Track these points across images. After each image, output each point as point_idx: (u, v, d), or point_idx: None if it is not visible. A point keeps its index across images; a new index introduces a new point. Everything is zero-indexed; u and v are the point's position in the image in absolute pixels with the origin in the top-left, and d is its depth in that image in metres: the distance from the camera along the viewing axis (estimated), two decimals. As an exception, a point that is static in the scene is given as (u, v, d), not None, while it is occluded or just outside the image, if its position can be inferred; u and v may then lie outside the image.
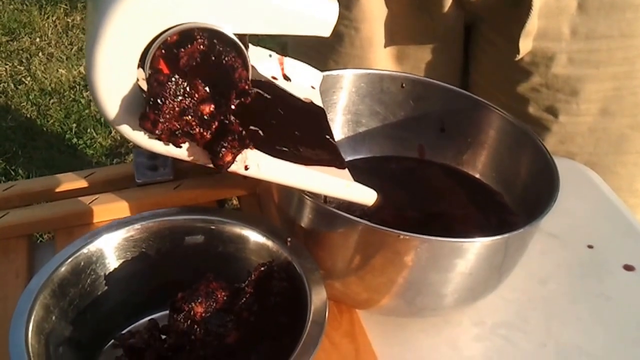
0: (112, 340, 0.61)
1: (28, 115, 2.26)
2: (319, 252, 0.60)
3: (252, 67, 0.63)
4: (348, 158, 0.77)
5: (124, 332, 0.62)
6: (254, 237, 0.61)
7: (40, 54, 2.54)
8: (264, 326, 0.57)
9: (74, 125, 2.21)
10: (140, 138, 0.51)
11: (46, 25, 2.69)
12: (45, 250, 0.73)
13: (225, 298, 0.57)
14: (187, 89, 0.49)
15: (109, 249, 0.60)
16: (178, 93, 0.49)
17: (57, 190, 0.76)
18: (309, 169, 0.56)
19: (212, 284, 0.57)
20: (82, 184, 0.77)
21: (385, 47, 0.91)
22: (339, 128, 0.76)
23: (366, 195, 0.59)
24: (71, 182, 0.77)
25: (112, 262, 0.60)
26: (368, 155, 0.78)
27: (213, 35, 0.48)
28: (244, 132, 0.51)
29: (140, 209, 0.73)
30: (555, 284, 0.70)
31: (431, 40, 0.91)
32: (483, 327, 0.66)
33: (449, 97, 0.74)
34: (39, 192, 0.76)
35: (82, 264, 0.59)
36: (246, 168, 0.54)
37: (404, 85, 0.74)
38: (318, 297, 0.55)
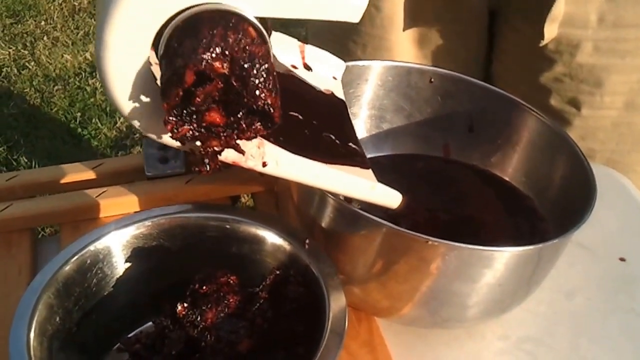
0: (118, 344, 0.60)
1: (31, 102, 2.26)
2: (339, 255, 0.59)
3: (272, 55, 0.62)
4: (370, 155, 0.75)
5: (130, 335, 0.60)
6: (271, 237, 0.59)
7: (45, 37, 2.53)
8: (279, 334, 0.56)
9: (79, 114, 2.20)
10: (149, 127, 0.49)
11: (52, 8, 2.69)
12: (50, 245, 0.72)
13: (237, 303, 0.55)
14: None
15: (117, 247, 0.59)
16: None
17: (63, 181, 0.75)
18: (331, 167, 0.55)
19: (223, 287, 0.55)
20: (90, 175, 0.76)
21: (406, 28, 0.90)
22: (362, 123, 0.74)
23: (391, 198, 0.58)
24: (78, 173, 0.76)
25: (120, 261, 0.59)
26: (391, 153, 0.76)
27: (234, 19, 0.46)
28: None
29: (150, 204, 0.72)
30: (583, 297, 0.69)
31: (454, 23, 0.91)
32: (507, 341, 0.64)
33: (480, 94, 0.73)
34: (44, 183, 0.75)
35: (89, 262, 0.58)
36: (264, 165, 0.52)
37: (432, 80, 0.73)
38: (337, 304, 0.53)
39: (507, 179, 0.73)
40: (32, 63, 2.41)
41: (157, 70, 0.47)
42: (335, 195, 0.57)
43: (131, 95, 0.48)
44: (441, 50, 0.92)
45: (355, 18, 0.49)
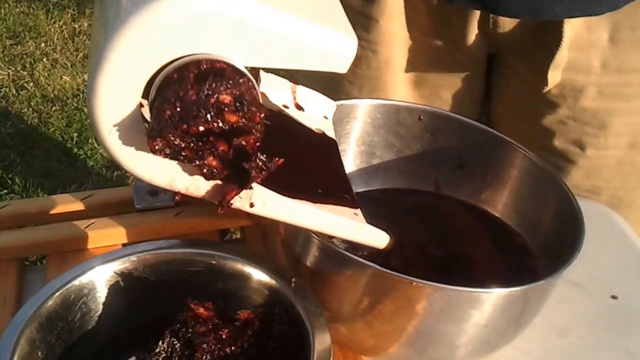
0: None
1: (28, 122, 2.26)
2: (324, 294, 0.59)
3: (264, 95, 0.62)
4: (361, 189, 0.76)
5: (113, 370, 0.60)
6: (257, 275, 0.59)
7: (44, 59, 2.54)
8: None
9: (75, 134, 2.20)
10: (138, 168, 0.50)
11: (52, 30, 2.70)
12: (36, 275, 0.71)
13: (221, 338, 0.55)
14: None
15: (102, 282, 0.58)
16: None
17: (52, 212, 0.75)
18: (319, 208, 0.55)
19: (204, 319, 0.55)
20: (79, 206, 0.76)
21: (403, 71, 0.91)
22: (352, 159, 0.74)
23: (378, 239, 0.58)
24: (67, 204, 0.76)
25: (104, 296, 0.59)
26: (382, 187, 0.76)
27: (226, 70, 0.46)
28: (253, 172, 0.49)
29: (139, 236, 0.72)
30: (575, 336, 0.68)
31: (452, 67, 0.90)
32: (497, 380, 0.64)
33: (468, 131, 0.73)
34: (33, 214, 0.75)
35: (73, 296, 0.57)
36: (251, 205, 0.52)
37: (421, 117, 0.73)
38: (322, 344, 0.53)
39: (497, 215, 0.73)
40: (31, 84, 2.42)
41: (147, 113, 0.47)
42: (320, 234, 0.57)
43: (120, 138, 0.48)
44: (438, 92, 0.92)
45: (343, 69, 0.50)
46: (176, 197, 0.51)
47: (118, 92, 0.46)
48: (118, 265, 0.59)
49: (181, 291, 0.60)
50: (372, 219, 0.71)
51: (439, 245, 0.70)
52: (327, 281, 0.59)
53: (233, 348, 0.55)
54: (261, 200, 0.52)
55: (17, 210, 0.75)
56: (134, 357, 0.59)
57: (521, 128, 0.91)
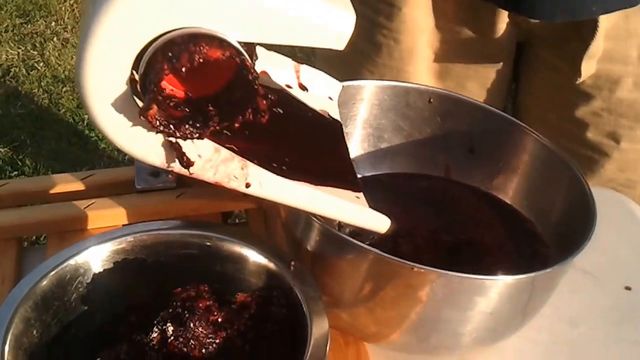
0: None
1: (39, 103, 2.27)
2: (325, 278, 0.59)
3: (265, 73, 0.62)
4: (369, 173, 0.75)
5: (110, 351, 0.60)
6: (255, 257, 0.59)
7: (55, 38, 2.55)
8: (260, 356, 0.56)
9: (86, 116, 2.21)
10: (131, 146, 0.50)
11: (63, 9, 2.70)
12: (36, 255, 0.72)
13: (217, 321, 0.55)
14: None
15: (98, 262, 0.59)
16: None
17: (53, 191, 0.75)
18: (318, 190, 0.55)
19: (201, 301, 0.55)
20: (79, 186, 0.76)
21: (426, 61, 0.90)
22: (359, 142, 0.74)
23: (379, 223, 0.58)
24: (68, 183, 0.76)
25: (101, 276, 0.59)
26: (391, 172, 0.76)
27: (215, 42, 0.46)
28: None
29: (139, 217, 0.72)
30: (586, 327, 0.68)
31: (479, 57, 0.89)
32: (503, 370, 0.64)
33: (480, 115, 0.72)
34: (33, 193, 0.76)
35: (69, 276, 0.58)
36: (247, 185, 0.52)
37: (431, 100, 0.72)
38: (319, 330, 0.53)
39: (508, 202, 0.73)
40: (41, 64, 2.43)
41: (138, 88, 0.47)
42: (321, 218, 0.56)
43: (112, 115, 0.48)
44: (463, 83, 0.91)
45: (340, 46, 0.49)
46: (170, 176, 0.51)
47: (107, 67, 0.46)
48: (115, 246, 0.59)
49: (178, 273, 0.60)
50: (381, 204, 0.72)
51: (449, 231, 0.69)
52: (328, 266, 0.59)
53: (229, 331, 0.55)
54: (258, 181, 0.52)
55: (17, 189, 0.75)
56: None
57: (551, 119, 0.91)
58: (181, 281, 0.59)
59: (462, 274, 0.53)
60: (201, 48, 0.45)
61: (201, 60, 0.46)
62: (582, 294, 0.71)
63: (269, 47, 0.63)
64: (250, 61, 0.48)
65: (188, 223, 0.62)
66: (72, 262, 0.58)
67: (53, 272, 0.57)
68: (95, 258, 0.58)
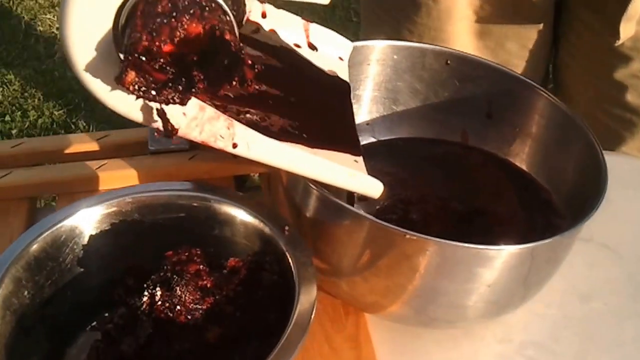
0: (95, 323, 0.60)
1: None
2: (324, 246, 0.58)
3: (274, 32, 0.61)
4: (384, 137, 0.73)
5: (107, 314, 0.60)
6: (251, 221, 0.58)
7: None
8: (250, 323, 0.55)
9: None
10: (116, 103, 0.49)
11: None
12: (47, 215, 0.72)
13: (206, 286, 0.54)
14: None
15: (95, 223, 0.58)
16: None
17: (67, 151, 0.76)
18: (309, 152, 0.53)
19: (191, 265, 0.54)
20: (94, 146, 0.76)
21: (465, 20, 0.88)
22: (373, 105, 0.72)
23: (371, 188, 0.56)
24: (82, 143, 0.76)
25: (98, 238, 0.59)
26: (408, 136, 0.74)
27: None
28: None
29: (150, 179, 0.72)
30: (599, 302, 0.65)
31: (517, 17, 0.87)
32: (508, 345, 0.62)
33: (498, 78, 0.69)
34: (48, 152, 0.76)
35: (64, 237, 0.58)
36: (234, 146, 0.51)
37: (449, 62, 0.70)
38: (306, 297, 0.52)
39: (525, 169, 0.70)
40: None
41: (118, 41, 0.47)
42: (319, 184, 0.55)
43: (95, 72, 0.47)
44: (503, 42, 0.89)
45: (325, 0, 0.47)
46: (155, 134, 0.50)
47: (89, 21, 0.45)
48: (111, 207, 0.59)
49: (176, 235, 0.60)
50: (395, 169, 0.70)
51: (461, 199, 0.68)
52: (326, 233, 0.57)
53: (217, 297, 0.54)
54: (245, 142, 0.51)
55: (32, 148, 0.76)
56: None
57: (590, 81, 0.89)
58: (178, 243, 0.59)
59: (455, 242, 0.51)
60: (182, 22, 0.44)
61: (182, 36, 0.45)
62: (598, 268, 0.67)
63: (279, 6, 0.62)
64: (234, 31, 0.47)
65: (187, 184, 0.61)
66: (67, 222, 0.58)
67: (47, 233, 0.57)
68: (91, 220, 0.58)
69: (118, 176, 0.72)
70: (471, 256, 0.52)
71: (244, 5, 0.50)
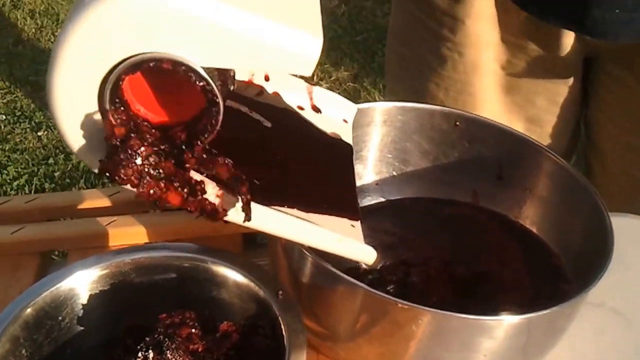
0: (94, 381, 0.60)
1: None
2: (319, 311, 0.57)
3: (277, 94, 0.61)
4: (393, 197, 0.73)
5: (105, 372, 0.60)
6: (246, 283, 0.58)
7: None
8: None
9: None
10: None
11: None
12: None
13: (197, 350, 0.54)
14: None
15: (92, 283, 0.59)
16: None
17: (80, 207, 0.77)
18: (301, 218, 0.53)
19: (184, 328, 0.54)
20: (105, 202, 0.77)
21: (492, 75, 0.87)
22: (382, 165, 0.72)
23: (363, 255, 0.55)
24: (94, 199, 0.77)
25: (98, 297, 0.59)
26: (417, 196, 0.73)
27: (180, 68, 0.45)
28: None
29: (159, 236, 0.73)
30: (607, 372, 0.63)
31: (545, 72, 0.86)
32: (512, 415, 0.60)
33: (508, 140, 0.69)
34: (61, 208, 0.77)
35: (62, 297, 0.58)
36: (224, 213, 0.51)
37: (458, 123, 0.69)
38: (295, 365, 0.51)
39: (535, 232, 0.69)
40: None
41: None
42: (314, 250, 0.55)
43: (83, 140, 0.48)
44: (532, 98, 0.88)
45: (306, 72, 0.48)
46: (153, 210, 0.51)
47: (74, 90, 0.46)
48: (109, 268, 0.59)
49: (172, 295, 0.60)
50: (402, 229, 0.70)
51: (466, 263, 0.67)
52: (321, 298, 0.57)
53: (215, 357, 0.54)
54: (234, 209, 0.51)
55: (46, 203, 0.77)
56: None
57: (622, 137, 0.87)
58: (175, 304, 0.59)
59: (448, 312, 0.50)
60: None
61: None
62: (609, 336, 0.65)
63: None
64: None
65: (185, 246, 0.61)
66: (65, 283, 0.58)
67: (47, 292, 0.57)
68: (89, 280, 0.59)
69: (127, 233, 0.73)
70: (465, 326, 0.52)
71: (232, 75, 0.51)
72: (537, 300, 0.62)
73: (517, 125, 0.87)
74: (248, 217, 0.49)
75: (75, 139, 0.48)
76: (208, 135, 0.47)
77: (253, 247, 0.77)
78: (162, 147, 0.48)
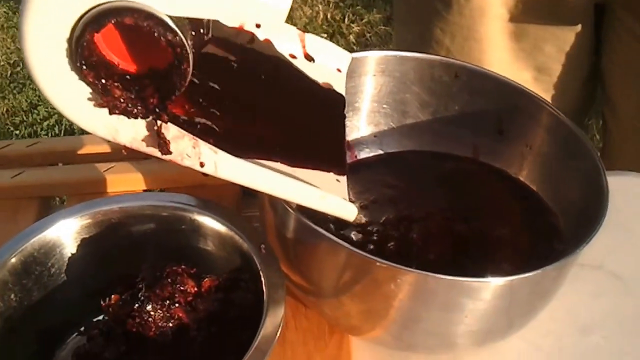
0: (82, 328, 0.61)
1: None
2: (303, 266, 0.57)
3: (269, 42, 0.60)
4: (393, 150, 0.72)
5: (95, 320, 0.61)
6: (231, 235, 0.58)
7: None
8: (224, 340, 0.54)
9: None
10: (81, 118, 0.49)
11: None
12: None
13: (183, 302, 0.54)
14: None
15: (80, 231, 0.59)
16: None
17: (80, 152, 0.77)
18: (283, 171, 0.52)
19: (167, 280, 0.55)
20: (106, 148, 0.77)
21: (499, 20, 0.84)
22: (380, 117, 0.71)
23: (344, 211, 0.54)
24: (95, 144, 0.77)
25: (84, 245, 0.60)
26: (418, 149, 0.72)
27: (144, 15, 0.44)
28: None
29: (156, 184, 0.73)
30: (600, 335, 0.62)
31: (553, 18, 0.83)
32: (497, 374, 0.59)
33: (509, 93, 0.66)
34: (62, 153, 0.77)
35: (52, 243, 0.59)
36: (202, 165, 0.50)
37: (458, 74, 0.67)
38: (272, 320, 0.51)
39: (535, 189, 0.67)
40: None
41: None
42: (293, 205, 0.54)
43: (58, 86, 0.47)
44: (540, 45, 0.85)
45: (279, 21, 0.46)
46: (123, 151, 0.50)
47: (45, 38, 0.45)
48: (98, 215, 0.60)
49: (160, 246, 0.60)
50: (403, 183, 0.69)
51: (466, 219, 0.65)
52: (305, 253, 0.56)
53: (191, 314, 0.54)
54: (212, 161, 0.50)
55: (47, 148, 0.77)
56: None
57: (633, 88, 0.85)
58: (161, 255, 0.59)
59: (423, 271, 0.49)
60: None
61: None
62: (605, 299, 0.64)
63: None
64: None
65: (170, 196, 0.61)
66: (54, 229, 0.59)
67: (35, 239, 0.58)
68: (78, 228, 0.59)
69: (124, 180, 0.73)
70: (443, 286, 0.51)
71: (207, 23, 0.49)
72: (530, 259, 0.61)
73: (525, 73, 0.85)
74: (163, 151, 0.49)
75: (50, 86, 0.47)
76: (177, 91, 0.46)
77: (251, 197, 0.77)
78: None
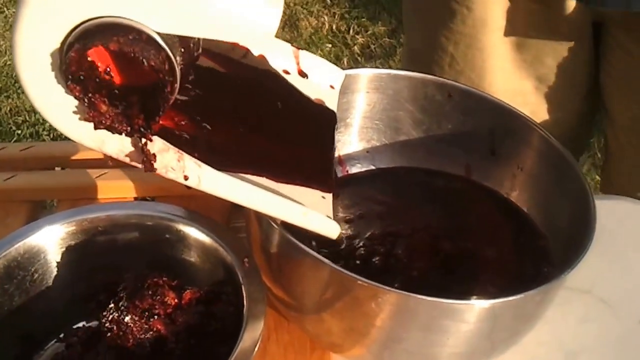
0: (62, 334, 0.61)
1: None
2: (285, 281, 0.57)
3: (263, 57, 0.60)
4: (385, 165, 0.71)
5: (75, 327, 0.61)
6: (215, 247, 0.58)
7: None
8: (204, 353, 0.54)
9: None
10: (68, 128, 0.49)
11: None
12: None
13: (162, 314, 0.54)
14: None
15: (65, 237, 0.59)
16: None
17: (74, 157, 0.77)
18: (267, 188, 0.52)
19: (147, 290, 0.54)
20: (99, 154, 0.76)
21: (501, 31, 0.85)
22: (373, 133, 0.71)
23: (327, 228, 0.54)
24: (89, 150, 0.76)
25: (69, 252, 0.60)
26: (410, 165, 0.71)
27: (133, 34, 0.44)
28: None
29: (147, 192, 0.73)
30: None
31: (552, 33, 0.84)
32: (480, 396, 0.59)
33: (502, 114, 0.66)
34: (56, 157, 0.77)
35: (36, 248, 0.58)
36: (186, 178, 0.50)
37: (451, 94, 0.67)
38: (250, 335, 0.51)
39: (525, 210, 0.67)
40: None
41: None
42: (277, 220, 0.54)
43: (46, 97, 0.48)
44: (541, 58, 0.86)
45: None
46: (109, 162, 0.50)
47: (36, 49, 0.45)
48: (84, 224, 0.59)
49: (144, 256, 0.60)
50: (392, 200, 0.68)
51: (453, 238, 0.65)
52: (288, 268, 0.56)
53: (170, 326, 0.54)
54: (196, 175, 0.50)
55: (41, 152, 0.77)
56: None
57: (628, 103, 0.86)
58: (145, 264, 0.59)
59: (406, 292, 0.49)
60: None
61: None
62: (591, 324, 0.63)
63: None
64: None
65: (158, 207, 0.61)
66: (39, 235, 0.58)
67: (20, 243, 0.58)
68: (63, 234, 0.59)
69: (116, 187, 0.73)
70: (424, 307, 0.50)
71: (196, 43, 0.49)
72: (516, 281, 0.61)
73: (526, 82, 0.86)
74: (146, 167, 0.49)
75: (39, 97, 0.47)
76: (161, 112, 0.46)
77: (241, 208, 0.76)
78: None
